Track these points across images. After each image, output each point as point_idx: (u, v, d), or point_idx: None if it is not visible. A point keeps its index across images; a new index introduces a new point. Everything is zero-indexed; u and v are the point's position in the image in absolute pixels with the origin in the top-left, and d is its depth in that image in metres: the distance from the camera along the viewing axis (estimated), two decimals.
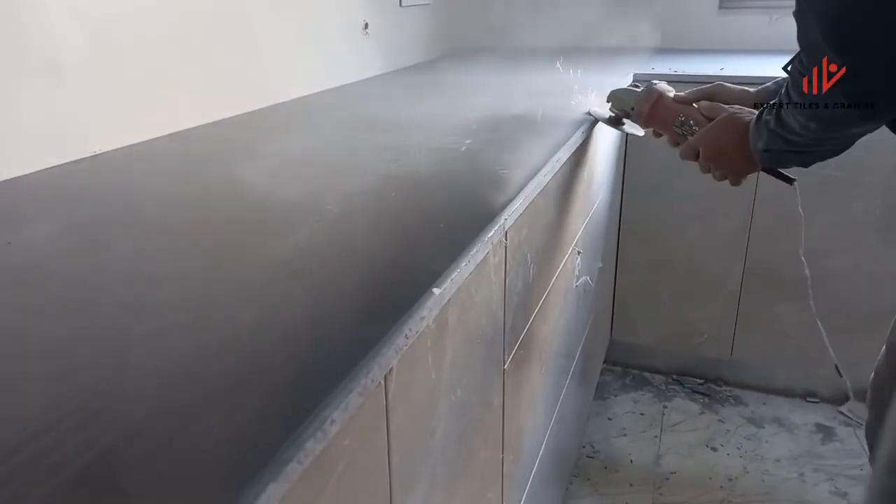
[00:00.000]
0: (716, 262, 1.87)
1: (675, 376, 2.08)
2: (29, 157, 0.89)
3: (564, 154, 0.99)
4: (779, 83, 0.96)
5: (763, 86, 0.99)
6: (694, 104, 1.02)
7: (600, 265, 1.60)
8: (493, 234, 0.67)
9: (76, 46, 0.93)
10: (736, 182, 0.97)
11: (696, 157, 0.98)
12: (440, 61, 2.07)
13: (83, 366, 0.45)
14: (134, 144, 1.05)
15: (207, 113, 1.20)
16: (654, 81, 1.08)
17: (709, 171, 0.98)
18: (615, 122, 1.16)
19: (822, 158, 0.84)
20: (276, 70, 1.39)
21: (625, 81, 1.69)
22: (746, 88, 1.01)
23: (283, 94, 1.41)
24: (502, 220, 0.70)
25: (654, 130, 1.09)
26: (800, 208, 1.04)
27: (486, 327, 0.74)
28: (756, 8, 2.13)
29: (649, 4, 2.23)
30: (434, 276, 0.56)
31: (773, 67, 2.01)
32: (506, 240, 0.76)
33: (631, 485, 1.65)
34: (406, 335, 0.49)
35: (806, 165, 0.86)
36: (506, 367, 0.83)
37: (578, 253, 1.28)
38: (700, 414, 1.92)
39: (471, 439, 0.74)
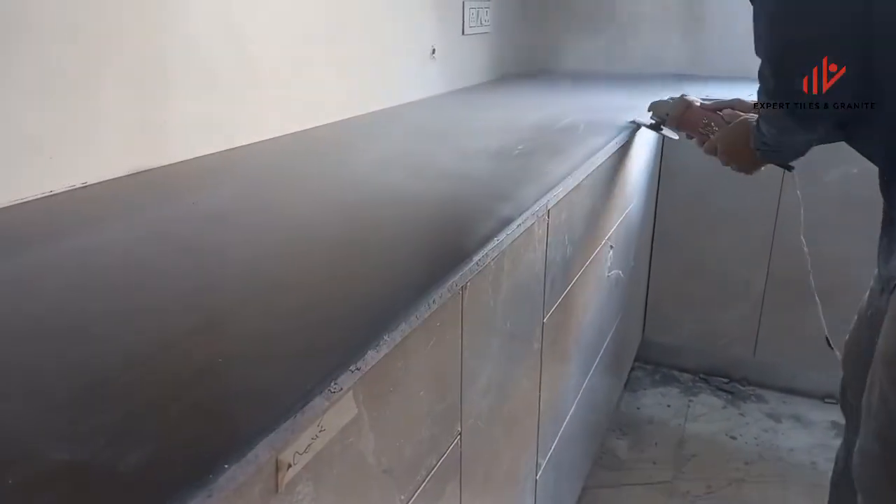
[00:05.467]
0: (742, 268, 2.05)
1: (701, 375, 2.26)
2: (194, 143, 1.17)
3: (599, 158, 1.22)
4: None
5: None
6: (717, 112, 1.28)
7: (632, 264, 1.81)
8: (537, 208, 0.90)
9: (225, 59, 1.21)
10: (749, 173, 1.21)
11: (716, 153, 1.23)
12: (497, 82, 2.33)
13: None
14: (265, 140, 1.33)
15: (308, 121, 1.48)
16: (686, 94, 1.38)
17: (727, 165, 1.22)
18: (655, 127, 1.47)
19: (791, 159, 1.10)
20: (359, 88, 1.66)
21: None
22: None
23: (364, 107, 1.68)
24: (545, 201, 0.94)
25: (686, 134, 1.37)
26: (798, 192, 1.25)
27: (530, 283, 0.97)
28: None
29: (699, 34, 2.45)
30: (495, 231, 0.80)
31: None
32: (548, 217, 0.99)
33: (654, 463, 1.84)
34: (478, 263, 0.73)
35: (785, 161, 1.13)
36: (545, 320, 1.06)
37: (611, 247, 1.50)
38: (723, 408, 2.09)
39: (515, 366, 0.97)
